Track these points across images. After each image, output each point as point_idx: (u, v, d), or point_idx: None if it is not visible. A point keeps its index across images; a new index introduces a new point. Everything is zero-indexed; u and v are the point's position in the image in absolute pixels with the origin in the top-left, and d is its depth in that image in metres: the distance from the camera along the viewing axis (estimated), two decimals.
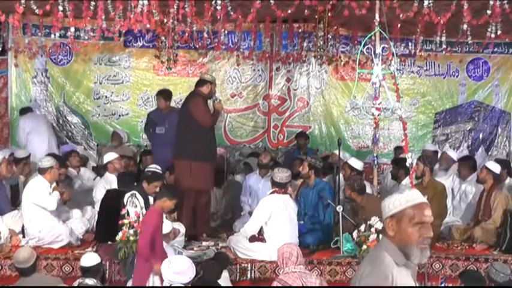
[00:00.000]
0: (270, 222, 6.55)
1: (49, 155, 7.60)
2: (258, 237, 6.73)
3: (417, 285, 2.86)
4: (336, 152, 8.58)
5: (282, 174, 6.66)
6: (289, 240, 5.99)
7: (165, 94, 8.90)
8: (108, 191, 7.32)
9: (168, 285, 5.16)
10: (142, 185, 6.60)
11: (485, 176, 7.23)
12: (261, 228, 6.66)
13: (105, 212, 6.96)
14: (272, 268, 6.28)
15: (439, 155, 9.23)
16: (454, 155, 8.97)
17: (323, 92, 10.41)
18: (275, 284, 5.14)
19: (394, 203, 2.79)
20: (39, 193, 6.73)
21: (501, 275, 5.12)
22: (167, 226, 5.96)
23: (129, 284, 5.76)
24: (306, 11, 6.92)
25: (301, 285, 5.02)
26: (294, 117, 10.42)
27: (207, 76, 7.72)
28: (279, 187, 6.65)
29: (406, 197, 2.78)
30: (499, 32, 6.71)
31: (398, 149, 9.33)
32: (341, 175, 7.68)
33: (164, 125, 8.57)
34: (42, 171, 6.88)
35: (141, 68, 10.12)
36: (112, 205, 6.77)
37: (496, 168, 7.30)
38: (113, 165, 7.96)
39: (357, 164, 8.00)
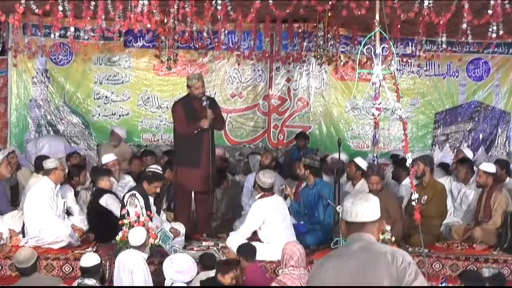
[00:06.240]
0: (264, 226, 6.53)
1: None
2: (256, 236, 6.71)
3: None
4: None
5: (264, 179, 6.57)
6: (286, 239, 5.98)
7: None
8: None
9: (170, 284, 5.16)
10: (142, 185, 6.60)
11: (486, 179, 7.22)
12: (256, 231, 6.62)
13: (104, 212, 6.96)
14: (272, 268, 6.28)
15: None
16: (470, 154, 8.93)
17: (323, 92, 10.40)
18: (273, 284, 5.15)
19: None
20: (43, 195, 6.74)
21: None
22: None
23: None
24: (302, 10, 6.91)
25: (299, 285, 5.04)
26: (294, 117, 10.40)
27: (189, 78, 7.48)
28: (265, 191, 6.61)
29: None
30: (501, 32, 6.69)
31: (394, 157, 9.24)
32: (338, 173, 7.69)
33: None
34: (46, 172, 6.88)
35: (141, 68, 10.10)
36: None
37: (492, 168, 7.30)
38: (108, 168, 7.92)
39: (363, 163, 8.01)
